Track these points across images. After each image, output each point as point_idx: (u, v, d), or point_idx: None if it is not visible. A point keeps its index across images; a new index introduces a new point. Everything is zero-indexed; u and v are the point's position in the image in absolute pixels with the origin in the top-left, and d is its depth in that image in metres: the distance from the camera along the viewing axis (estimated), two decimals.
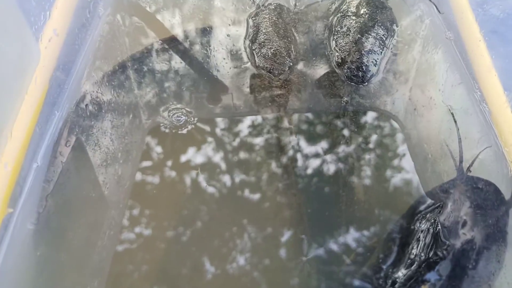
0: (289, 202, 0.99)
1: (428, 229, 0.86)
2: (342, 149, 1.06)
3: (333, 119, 1.11)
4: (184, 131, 1.08)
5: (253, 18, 1.20)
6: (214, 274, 0.90)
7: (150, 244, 0.94)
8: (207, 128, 1.09)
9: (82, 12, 1.10)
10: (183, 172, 1.02)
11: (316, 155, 1.05)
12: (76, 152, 0.95)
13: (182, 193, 1.00)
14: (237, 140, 1.08)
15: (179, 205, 0.99)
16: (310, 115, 1.12)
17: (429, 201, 0.94)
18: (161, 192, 1.00)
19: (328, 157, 1.04)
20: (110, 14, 1.20)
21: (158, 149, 1.06)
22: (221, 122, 1.10)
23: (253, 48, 1.15)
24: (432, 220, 0.87)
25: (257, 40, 1.15)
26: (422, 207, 0.93)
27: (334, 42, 1.16)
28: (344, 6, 1.20)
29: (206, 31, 1.23)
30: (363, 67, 1.11)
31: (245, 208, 0.98)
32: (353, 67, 1.11)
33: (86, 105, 1.01)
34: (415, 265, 0.83)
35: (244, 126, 1.10)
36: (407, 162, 1.04)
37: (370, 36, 1.13)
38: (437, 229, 0.85)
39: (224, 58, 1.18)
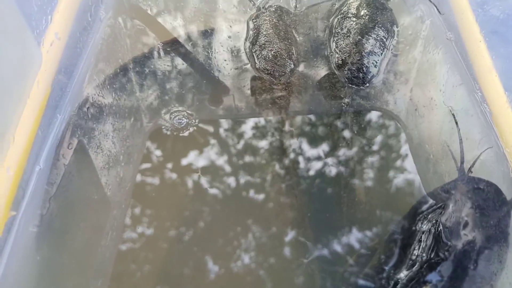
0: (292, 203, 0.99)
1: (430, 230, 0.86)
2: (343, 150, 1.06)
3: (334, 120, 1.11)
4: (186, 133, 1.08)
5: (254, 20, 1.20)
6: (217, 274, 0.90)
7: (153, 244, 0.94)
8: (209, 130, 1.09)
9: (83, 16, 1.10)
10: (185, 173, 1.03)
11: (318, 157, 1.05)
12: (78, 154, 0.95)
13: (184, 195, 1.00)
14: (239, 142, 1.08)
15: (181, 206, 0.99)
16: (311, 116, 1.12)
17: (431, 202, 0.94)
18: (163, 194, 1.00)
19: (330, 159, 1.04)
20: (111, 17, 1.20)
21: (160, 151, 1.06)
22: (222, 124, 1.11)
23: (254, 50, 1.15)
24: (434, 221, 0.87)
25: (257, 42, 1.15)
26: (423, 208, 0.93)
27: (334, 43, 1.16)
28: (344, 8, 1.20)
29: (207, 33, 1.24)
30: (364, 68, 1.11)
31: (247, 208, 0.99)
32: (354, 68, 1.11)
33: (88, 108, 1.01)
34: (416, 266, 0.83)
35: (245, 128, 1.10)
36: (409, 163, 1.04)
37: (371, 38, 1.13)
38: (439, 230, 0.85)
39: (225, 60, 1.18)
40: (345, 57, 1.12)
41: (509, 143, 0.90)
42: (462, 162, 0.90)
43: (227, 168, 1.04)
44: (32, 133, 0.86)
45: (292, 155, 1.05)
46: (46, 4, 0.96)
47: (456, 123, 0.95)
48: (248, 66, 1.16)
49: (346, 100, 1.11)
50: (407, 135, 1.08)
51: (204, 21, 1.26)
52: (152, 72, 1.18)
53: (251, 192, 1.00)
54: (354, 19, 1.16)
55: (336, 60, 1.13)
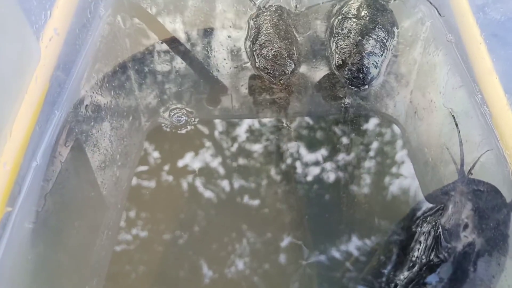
0: (290, 205, 0.99)
1: (429, 232, 0.85)
2: (342, 152, 1.05)
3: (333, 121, 1.11)
4: (184, 131, 1.07)
5: (254, 20, 1.20)
6: (212, 278, 0.89)
7: (148, 246, 0.93)
8: (207, 129, 1.09)
9: (83, 12, 1.10)
10: (181, 175, 1.02)
11: (316, 159, 1.04)
12: (75, 152, 0.95)
13: (180, 196, 0.99)
14: (238, 141, 1.07)
15: (177, 209, 0.98)
16: (310, 117, 1.11)
17: (430, 204, 0.93)
18: (159, 195, 1.00)
19: (328, 161, 1.04)
20: (110, 15, 1.20)
21: (157, 151, 1.06)
22: (221, 124, 1.10)
23: (254, 49, 1.15)
24: (433, 223, 0.86)
25: (257, 42, 1.15)
26: (422, 210, 0.93)
27: (334, 44, 1.16)
28: (345, 8, 1.20)
29: (207, 33, 1.24)
30: (364, 69, 1.10)
31: (244, 211, 0.98)
32: (354, 69, 1.11)
33: (86, 105, 1.01)
34: (416, 267, 0.83)
35: (244, 128, 1.09)
36: (407, 166, 1.03)
37: (371, 38, 1.13)
38: (438, 231, 0.84)
39: (224, 59, 1.18)
40: (345, 58, 1.12)
41: (509, 146, 0.90)
42: (462, 164, 0.90)
43: (225, 170, 1.03)
44: (30, 128, 0.85)
45: (290, 157, 1.05)
46: None
47: (456, 125, 0.95)
48: (248, 65, 1.16)
49: (347, 100, 1.11)
50: (406, 139, 1.08)
51: (204, 20, 1.26)
52: (151, 71, 1.18)
53: (249, 194, 1.00)
54: (354, 20, 1.16)
55: (336, 60, 1.13)
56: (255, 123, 1.10)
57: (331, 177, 1.02)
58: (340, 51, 1.13)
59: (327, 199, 0.99)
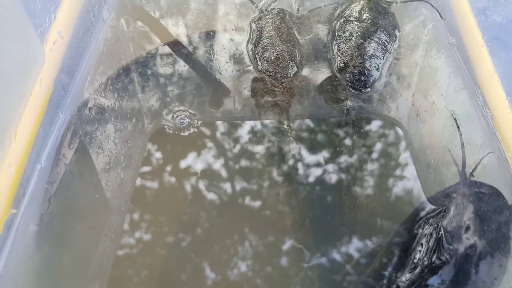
0: (291, 207, 0.99)
1: (431, 234, 0.86)
2: (344, 154, 1.05)
3: (335, 124, 1.11)
4: (187, 133, 1.08)
5: (256, 23, 1.21)
6: (214, 281, 0.89)
7: (151, 248, 0.93)
8: (210, 131, 1.09)
9: (86, 16, 1.10)
10: (184, 177, 1.02)
11: (318, 161, 1.05)
12: (79, 154, 0.95)
13: (183, 199, 1.00)
14: (240, 143, 1.08)
15: (181, 211, 0.98)
16: (312, 119, 1.12)
17: (432, 206, 0.94)
18: (162, 197, 1.00)
19: (330, 163, 1.04)
20: (114, 18, 1.21)
21: (161, 153, 1.06)
22: (224, 126, 1.10)
23: (256, 52, 1.15)
24: (435, 225, 0.86)
25: (260, 44, 1.15)
26: (425, 212, 0.93)
27: (336, 46, 1.16)
28: (347, 11, 1.21)
29: (209, 36, 1.24)
30: (365, 71, 1.11)
31: (247, 213, 0.98)
32: (356, 71, 1.11)
33: (90, 108, 1.01)
34: (418, 269, 0.83)
35: (246, 130, 1.10)
36: (409, 168, 1.04)
37: (373, 41, 1.13)
38: (440, 233, 0.85)
39: (227, 62, 1.19)
40: (347, 60, 1.12)
41: (510, 148, 0.90)
42: (463, 167, 0.90)
43: (227, 172, 1.03)
44: (34, 131, 0.86)
45: (292, 159, 1.05)
46: (50, 2, 0.96)
47: (458, 127, 0.95)
48: (250, 68, 1.16)
49: (349, 103, 1.11)
50: (408, 141, 1.08)
51: (206, 23, 1.26)
52: (154, 74, 1.18)
53: (250, 197, 1.00)
54: (356, 22, 1.16)
55: (338, 63, 1.14)
56: (257, 125, 1.11)
57: (333, 179, 1.02)
58: (342, 54, 1.14)
59: (329, 201, 0.99)
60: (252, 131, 1.10)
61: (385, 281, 0.86)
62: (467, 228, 0.83)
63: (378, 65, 1.12)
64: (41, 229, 0.83)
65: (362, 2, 1.20)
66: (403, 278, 0.83)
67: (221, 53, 1.20)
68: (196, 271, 0.91)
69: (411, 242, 0.88)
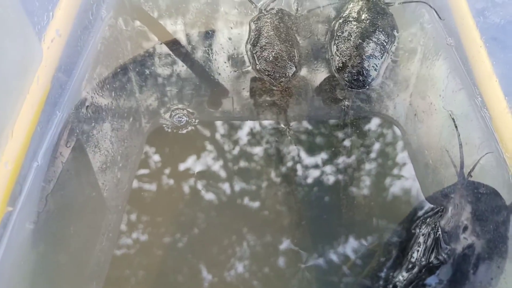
0: (288, 208, 0.99)
1: (429, 234, 0.85)
2: (342, 154, 1.05)
3: (333, 124, 1.11)
4: (185, 131, 1.07)
5: (255, 22, 1.21)
6: (211, 282, 0.89)
7: (148, 248, 0.93)
8: (208, 130, 1.09)
9: (84, 14, 1.10)
10: (182, 176, 1.02)
11: (316, 161, 1.04)
12: (76, 153, 0.95)
13: (180, 199, 0.99)
14: (238, 143, 1.07)
15: (177, 212, 0.98)
16: (310, 119, 1.11)
17: (430, 206, 0.94)
18: (159, 198, 0.99)
19: (328, 163, 1.04)
20: (112, 17, 1.20)
21: (158, 152, 1.06)
22: (221, 126, 1.10)
23: (255, 51, 1.15)
24: (433, 225, 0.86)
25: (258, 44, 1.15)
26: (422, 212, 0.93)
27: (335, 46, 1.16)
28: (345, 12, 1.21)
29: (208, 35, 1.24)
30: (364, 71, 1.11)
31: (244, 214, 0.98)
32: (354, 71, 1.11)
33: (87, 107, 1.01)
34: (415, 269, 0.83)
35: (244, 130, 1.09)
36: (408, 168, 1.03)
37: (371, 41, 1.13)
38: (438, 233, 0.84)
39: (225, 62, 1.18)
40: (346, 60, 1.12)
41: (508, 148, 0.90)
42: (461, 167, 0.90)
43: (225, 172, 1.03)
44: (31, 129, 0.86)
45: (291, 159, 1.05)
46: (48, 0, 0.96)
47: (456, 127, 0.95)
48: (249, 67, 1.16)
49: (347, 102, 1.11)
50: (406, 141, 1.08)
51: (205, 22, 1.26)
52: (152, 73, 1.18)
53: (248, 197, 1.00)
54: (355, 23, 1.17)
55: (337, 63, 1.14)
56: (255, 125, 1.10)
57: (331, 179, 1.02)
58: (340, 54, 1.14)
59: (326, 201, 0.99)
60: (251, 131, 1.09)
61: (382, 281, 0.85)
62: (465, 228, 0.83)
63: (376, 65, 1.12)
64: (37, 227, 0.83)
65: (361, 3, 1.20)
66: (401, 278, 0.83)
67: (220, 53, 1.20)
68: (193, 272, 0.90)
69: (408, 241, 0.88)
